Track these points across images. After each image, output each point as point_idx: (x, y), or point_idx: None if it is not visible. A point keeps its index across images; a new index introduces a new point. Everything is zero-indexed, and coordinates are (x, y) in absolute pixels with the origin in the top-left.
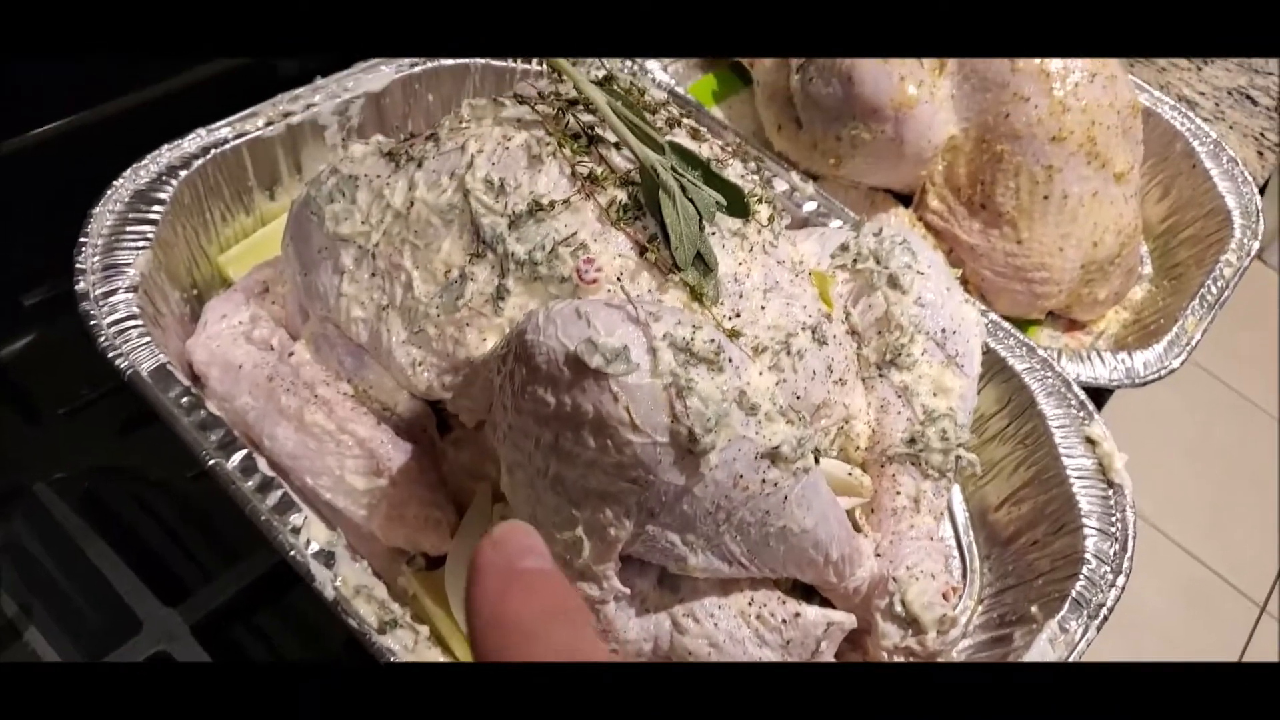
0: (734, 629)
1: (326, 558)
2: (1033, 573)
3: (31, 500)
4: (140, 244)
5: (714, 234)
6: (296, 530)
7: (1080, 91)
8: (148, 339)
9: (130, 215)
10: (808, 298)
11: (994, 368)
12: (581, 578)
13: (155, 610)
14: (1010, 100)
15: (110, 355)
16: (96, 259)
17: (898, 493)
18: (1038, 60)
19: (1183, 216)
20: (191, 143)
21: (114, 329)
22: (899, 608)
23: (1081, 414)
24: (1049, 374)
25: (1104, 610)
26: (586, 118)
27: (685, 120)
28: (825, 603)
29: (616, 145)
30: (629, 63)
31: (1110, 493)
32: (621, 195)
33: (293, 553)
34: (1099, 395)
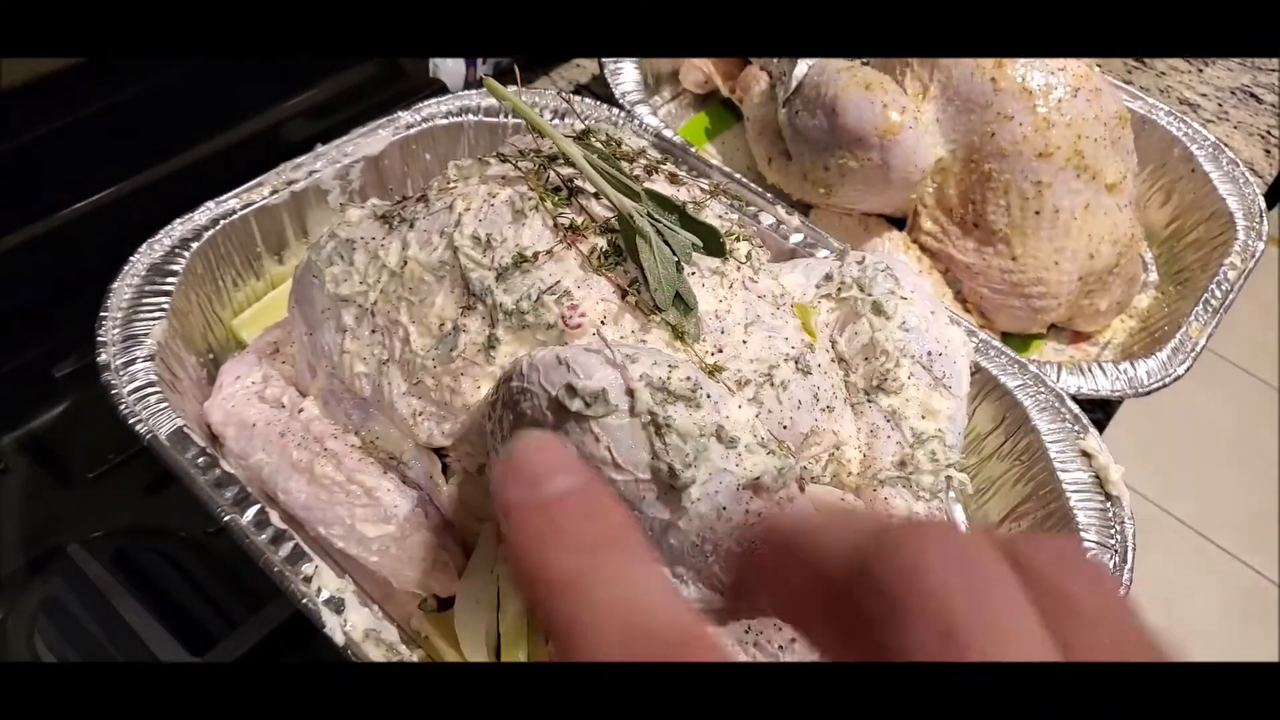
0: (731, 657)
1: (336, 604)
2: None
3: (66, 560)
4: (156, 314)
5: (693, 274)
6: (308, 579)
7: (1064, 106)
8: (165, 404)
9: (146, 287)
10: (790, 329)
11: (987, 386)
12: None
13: (182, 659)
14: (995, 120)
15: (131, 421)
16: (116, 331)
17: (890, 516)
18: (1019, 79)
19: (1186, 221)
20: (202, 215)
21: (134, 396)
22: None
23: (1076, 428)
24: (1041, 389)
25: None
26: (567, 171)
27: (664, 167)
28: None
29: (596, 195)
30: (615, 111)
31: (1108, 505)
32: (602, 243)
33: (304, 601)
34: (1110, 404)
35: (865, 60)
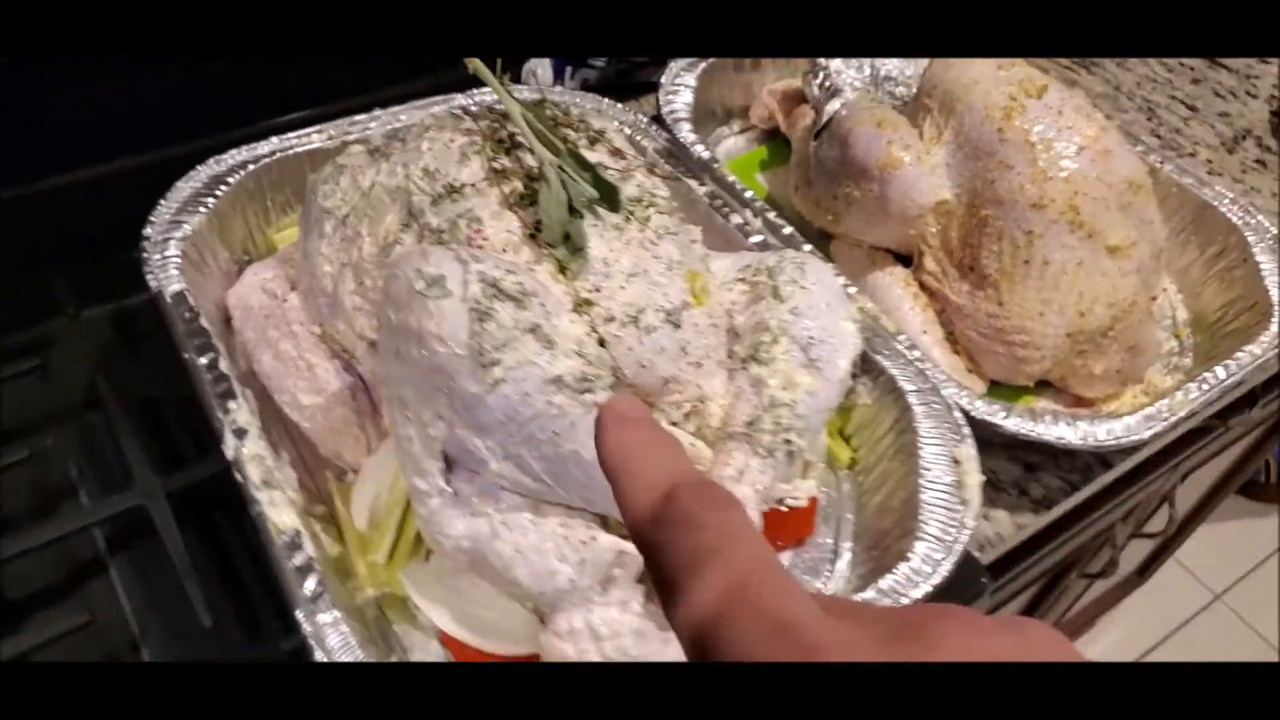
0: (540, 542)
1: (239, 432)
2: (876, 573)
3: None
4: (201, 211)
5: (595, 225)
6: (228, 410)
7: (1064, 162)
8: (180, 273)
9: (203, 191)
10: (673, 289)
11: (888, 390)
12: (415, 472)
13: (147, 476)
14: (996, 167)
15: (147, 276)
16: (166, 215)
17: (727, 464)
18: (1024, 131)
19: (1230, 310)
20: (264, 145)
21: (158, 260)
22: None
23: (956, 436)
24: (936, 399)
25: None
26: (515, 131)
27: (607, 140)
28: None
29: (531, 151)
30: (605, 102)
31: (960, 508)
32: (521, 187)
33: (219, 425)
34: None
35: (898, 106)
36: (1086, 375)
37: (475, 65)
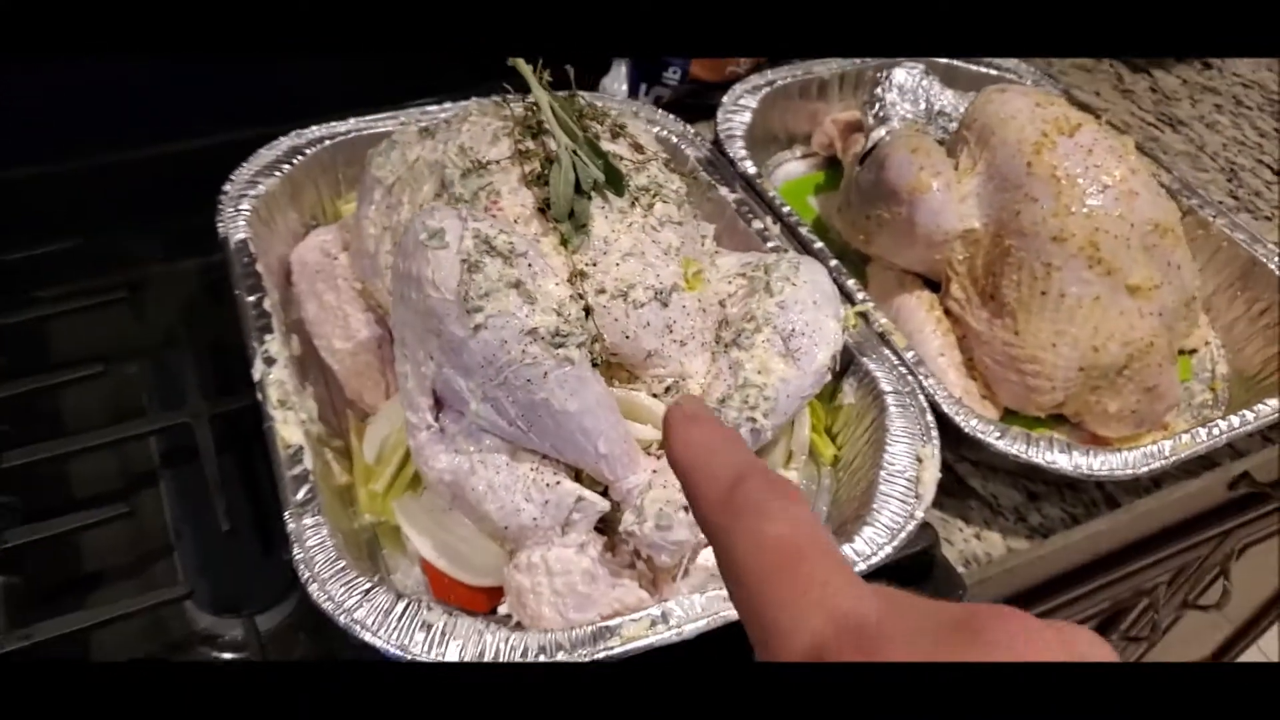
0: (510, 482)
1: (269, 360)
2: None
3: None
4: (276, 175)
5: (602, 207)
6: (263, 341)
7: (1087, 199)
8: (247, 224)
9: (281, 159)
10: (667, 272)
11: (872, 392)
12: (409, 407)
13: (197, 399)
14: (1022, 200)
15: (218, 226)
16: (245, 176)
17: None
18: (1051, 165)
19: (1269, 366)
20: (344, 125)
21: (230, 213)
22: (638, 502)
23: (924, 436)
24: (912, 400)
25: None
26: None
27: (628, 134)
28: None
29: (553, 136)
30: (639, 104)
31: (913, 501)
32: (539, 167)
33: (250, 354)
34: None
35: (940, 140)
36: (1101, 413)
37: (516, 61)
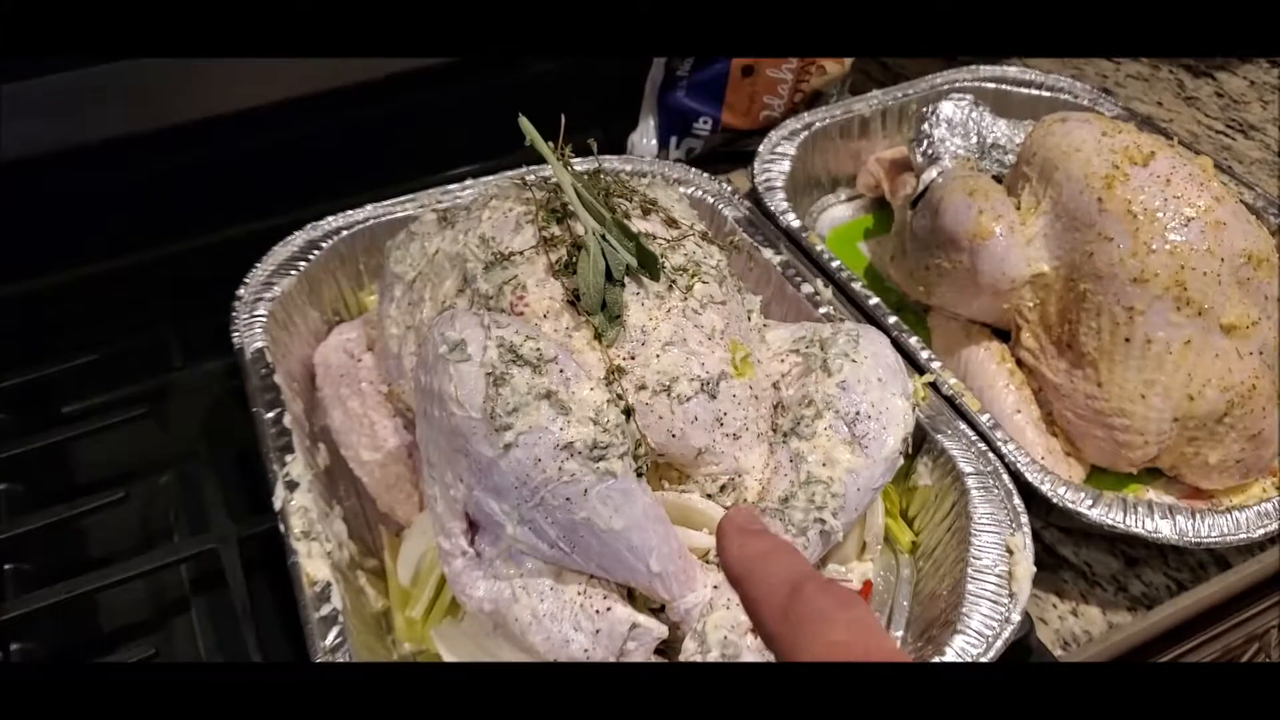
0: (557, 609)
1: (291, 485)
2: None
3: None
4: (293, 273)
5: (637, 294)
6: (284, 463)
7: (1168, 234)
8: (264, 331)
9: (297, 255)
10: (713, 359)
11: (950, 473)
12: (440, 532)
13: (222, 521)
14: (1095, 240)
15: (233, 335)
16: (260, 276)
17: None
18: (1125, 200)
19: None
20: (360, 213)
21: (245, 320)
22: (698, 626)
23: (1012, 524)
24: (995, 482)
25: None
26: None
27: (660, 210)
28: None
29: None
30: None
31: (1006, 601)
32: (566, 255)
33: (271, 479)
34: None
35: (997, 176)
36: (1201, 465)
37: (532, 137)
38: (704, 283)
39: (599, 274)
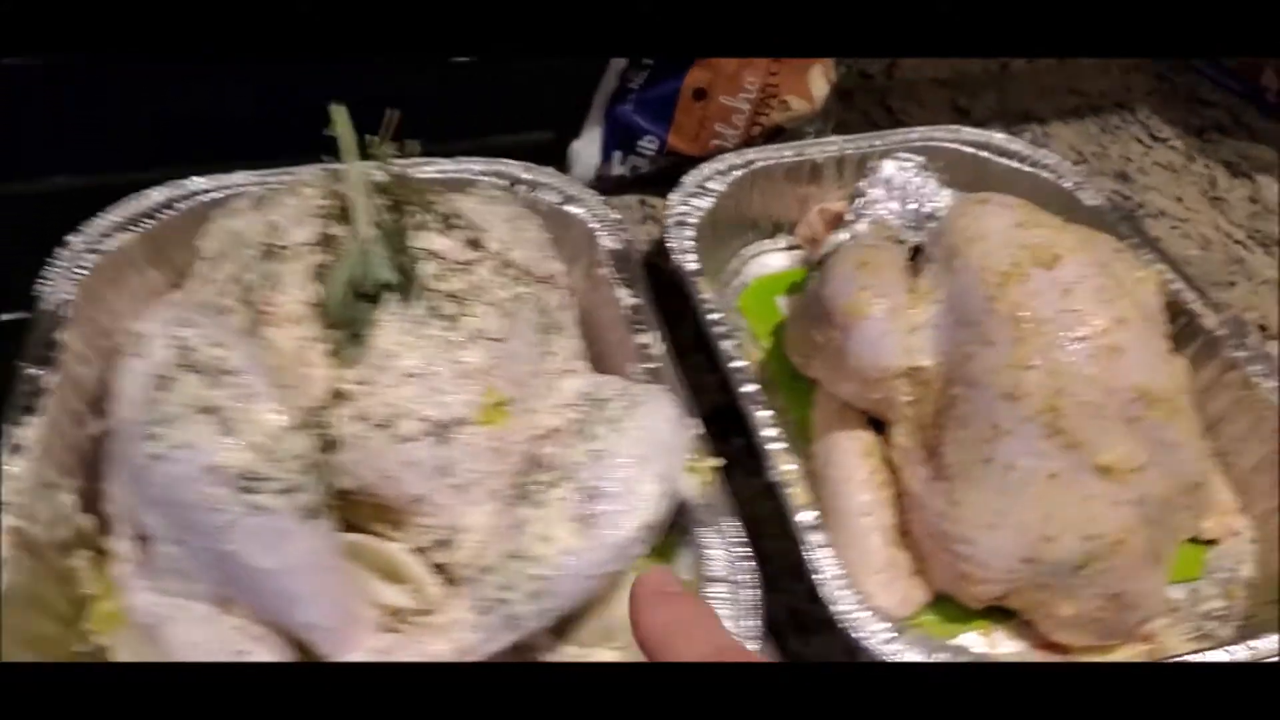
0: (207, 640)
1: (16, 448)
2: None
3: None
4: (138, 228)
5: (395, 314)
6: (19, 425)
7: (1052, 351)
8: (78, 283)
9: (150, 209)
10: (457, 400)
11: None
12: (113, 533)
13: None
14: (976, 342)
15: (40, 281)
16: (100, 227)
17: (444, 611)
18: (1015, 304)
19: None
20: (232, 178)
21: (64, 270)
22: None
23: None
24: (739, 595)
25: None
26: (383, 200)
27: (465, 229)
28: None
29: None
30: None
31: None
32: (335, 259)
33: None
34: None
35: (915, 249)
36: (1053, 617)
37: (339, 126)
38: (482, 316)
39: (345, 286)
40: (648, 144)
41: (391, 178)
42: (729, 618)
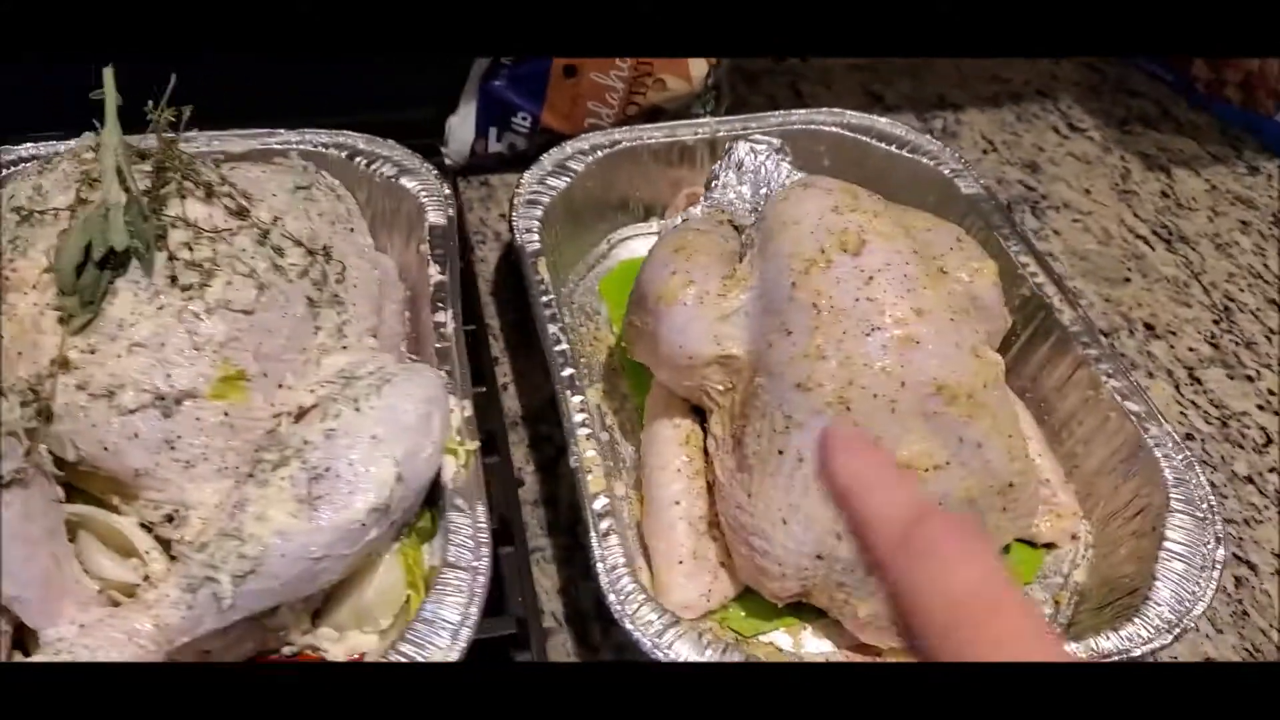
0: None
1: None
2: None
3: None
4: None
5: (136, 282)
6: None
7: (846, 340)
8: None
9: None
10: (188, 372)
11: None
12: None
13: None
14: (776, 330)
15: None
16: None
17: (157, 585)
18: (816, 292)
19: (1121, 587)
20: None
21: None
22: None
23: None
24: (473, 583)
25: None
26: (145, 167)
27: (226, 198)
28: None
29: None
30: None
31: None
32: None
33: None
34: None
35: (750, 230)
36: (853, 618)
37: (107, 92)
38: (221, 286)
39: (76, 251)
40: (521, 121)
41: (162, 146)
42: (457, 606)
